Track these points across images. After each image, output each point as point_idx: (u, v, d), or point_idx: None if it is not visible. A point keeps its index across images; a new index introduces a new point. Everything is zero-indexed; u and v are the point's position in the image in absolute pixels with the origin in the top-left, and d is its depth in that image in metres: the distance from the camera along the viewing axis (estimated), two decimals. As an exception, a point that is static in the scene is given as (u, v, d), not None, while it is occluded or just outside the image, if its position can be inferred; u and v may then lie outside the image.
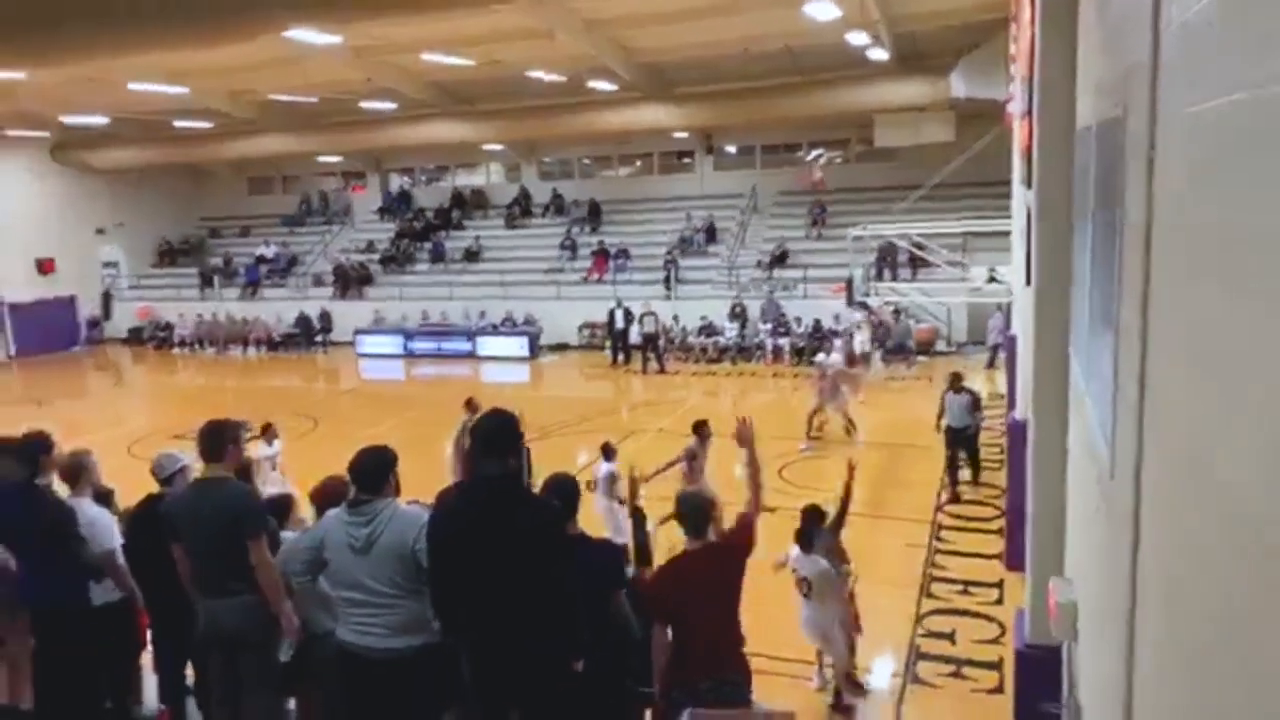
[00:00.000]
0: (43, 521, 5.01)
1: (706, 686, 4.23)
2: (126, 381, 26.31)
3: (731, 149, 27.65)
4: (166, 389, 24.23)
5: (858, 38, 17.11)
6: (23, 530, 4.89)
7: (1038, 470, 4.93)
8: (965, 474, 11.40)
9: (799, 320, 21.75)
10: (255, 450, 9.32)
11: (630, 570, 4.88)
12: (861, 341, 19.23)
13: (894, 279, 21.85)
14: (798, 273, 23.03)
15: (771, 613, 6.39)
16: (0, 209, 26.87)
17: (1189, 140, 1.62)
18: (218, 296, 28.85)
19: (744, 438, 4.71)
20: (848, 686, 6.81)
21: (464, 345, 24.54)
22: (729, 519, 4.52)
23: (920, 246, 20.69)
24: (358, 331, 25.73)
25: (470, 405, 9.24)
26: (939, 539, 10.08)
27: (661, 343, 21.58)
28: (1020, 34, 8.27)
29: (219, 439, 4.79)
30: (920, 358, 20.61)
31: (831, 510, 7.15)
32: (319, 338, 26.58)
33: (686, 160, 28.22)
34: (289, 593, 4.68)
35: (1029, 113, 5.76)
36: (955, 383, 11.27)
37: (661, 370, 21.13)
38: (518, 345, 23.96)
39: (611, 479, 8.79)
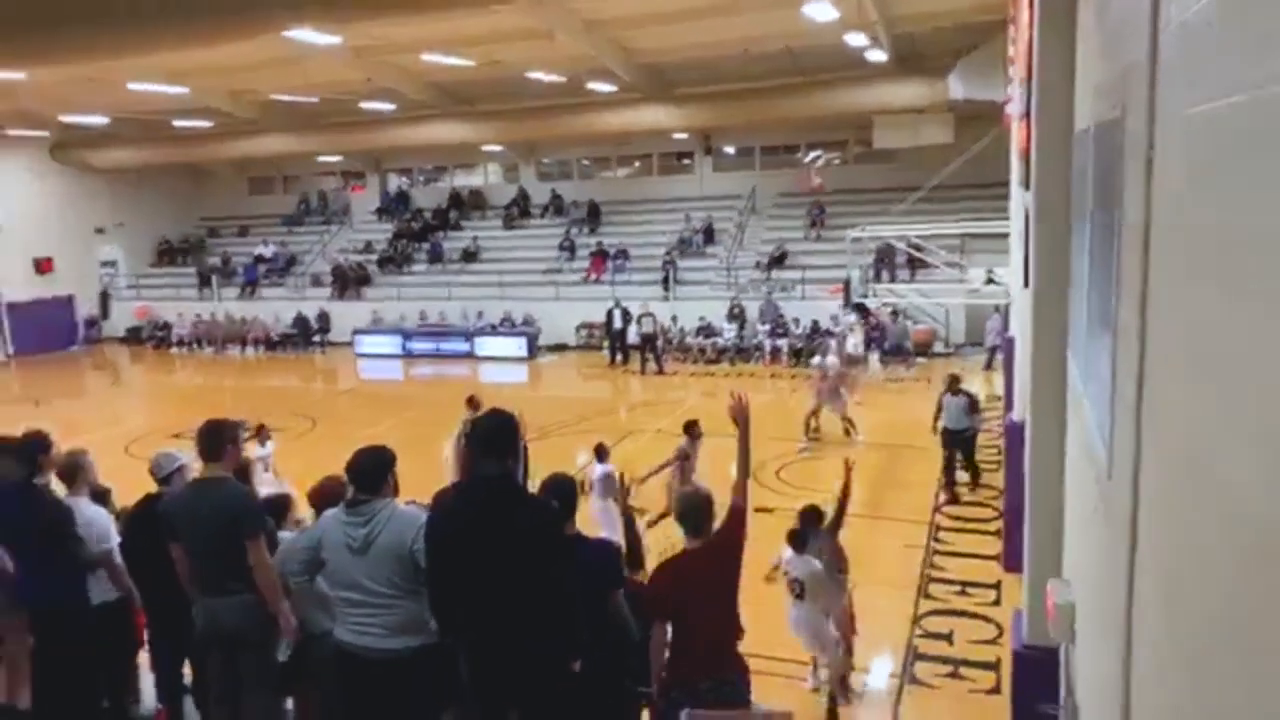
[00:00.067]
0: (41, 521, 5.01)
1: (706, 686, 4.23)
2: (124, 381, 26.29)
3: (730, 150, 27.67)
4: (164, 388, 24.22)
5: (856, 39, 17.14)
6: (21, 530, 4.88)
7: (1035, 471, 4.93)
8: (963, 475, 11.41)
9: (797, 321, 21.77)
10: (250, 451, 9.31)
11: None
12: (854, 344, 19.24)
13: (892, 280, 21.87)
14: (796, 274, 23.04)
15: (768, 612, 6.40)
16: (-1, 208, 26.92)
17: (1188, 141, 1.62)
18: (216, 296, 28.85)
19: (739, 415, 4.56)
20: (840, 690, 6.79)
21: (462, 345, 24.53)
22: (721, 517, 4.48)
23: (918, 248, 20.72)
24: (356, 331, 25.72)
25: (472, 403, 9.25)
26: (937, 540, 10.09)
27: (660, 343, 21.59)
28: (1019, 35, 8.28)
29: (218, 439, 4.79)
30: (918, 359, 20.63)
31: (830, 511, 7.15)
32: (317, 338, 26.57)
33: (685, 161, 28.22)
34: (286, 593, 4.68)
35: (1027, 114, 5.76)
36: (953, 384, 11.29)
37: (660, 371, 21.13)
38: (516, 345, 23.96)
39: (607, 479, 8.79)
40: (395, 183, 31.75)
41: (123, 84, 19.22)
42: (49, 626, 4.92)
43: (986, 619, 8.09)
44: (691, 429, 9.86)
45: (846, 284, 19.78)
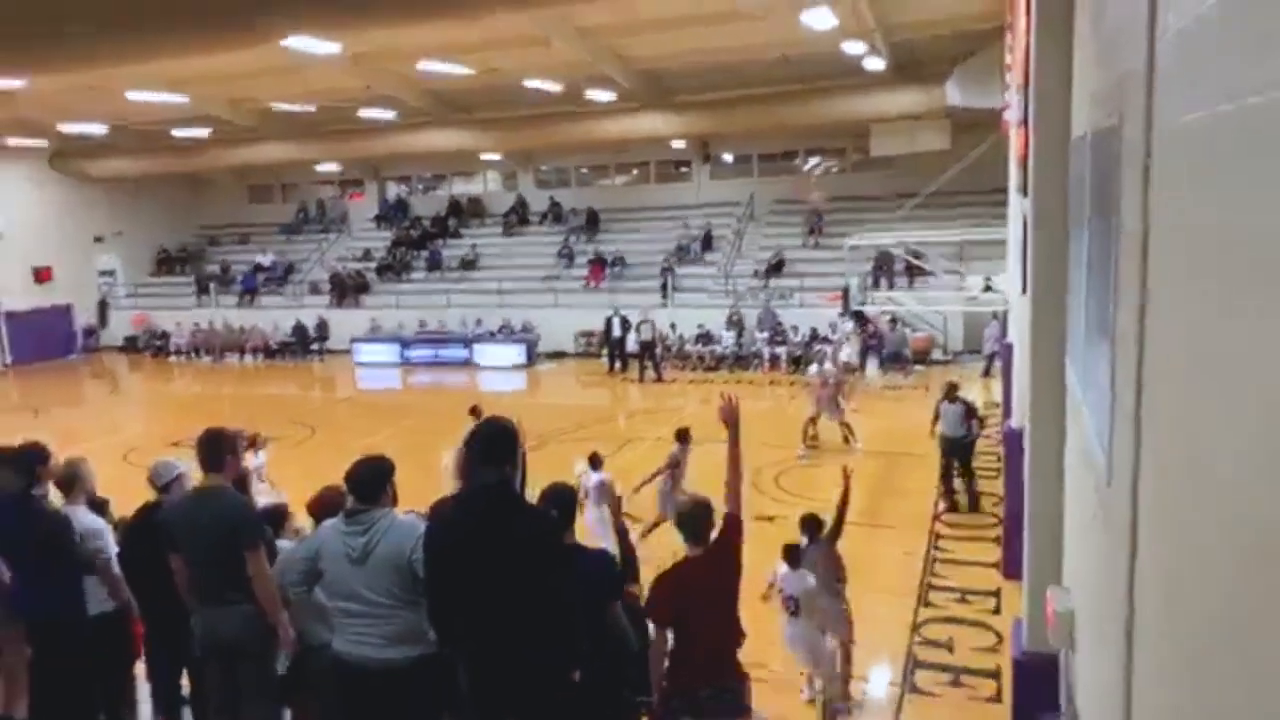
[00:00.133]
0: (38, 532, 4.99)
1: (706, 694, 4.21)
2: (122, 390, 26.24)
3: (728, 158, 27.73)
4: (162, 397, 24.19)
5: (854, 47, 17.20)
6: (18, 541, 4.86)
7: (1035, 478, 4.93)
8: (961, 485, 11.38)
9: (795, 329, 21.78)
10: (246, 461, 9.30)
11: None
12: (849, 352, 19.23)
13: (890, 287, 21.91)
14: (794, 281, 23.08)
15: (765, 623, 6.38)
16: (-2, 217, 26.91)
17: (1185, 148, 1.62)
18: (214, 304, 28.85)
19: (728, 417, 4.50)
20: (840, 698, 6.74)
21: (461, 353, 24.51)
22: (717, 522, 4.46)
23: (916, 255, 20.75)
24: (354, 340, 25.71)
25: (475, 412, 9.24)
26: (936, 547, 10.08)
27: (659, 351, 21.59)
28: (1016, 43, 8.31)
29: (218, 449, 4.78)
30: (917, 366, 20.63)
31: (829, 519, 7.13)
32: (315, 346, 26.57)
33: (683, 169, 28.28)
34: (285, 604, 4.66)
35: (1025, 121, 5.78)
36: (950, 392, 11.29)
37: (659, 378, 21.13)
38: (515, 353, 23.96)
39: (603, 488, 8.77)
40: (394, 191, 31.80)
41: (122, 92, 19.25)
42: (46, 637, 4.90)
43: (986, 626, 8.07)
44: (683, 435, 9.90)
45: (845, 291, 19.79)
